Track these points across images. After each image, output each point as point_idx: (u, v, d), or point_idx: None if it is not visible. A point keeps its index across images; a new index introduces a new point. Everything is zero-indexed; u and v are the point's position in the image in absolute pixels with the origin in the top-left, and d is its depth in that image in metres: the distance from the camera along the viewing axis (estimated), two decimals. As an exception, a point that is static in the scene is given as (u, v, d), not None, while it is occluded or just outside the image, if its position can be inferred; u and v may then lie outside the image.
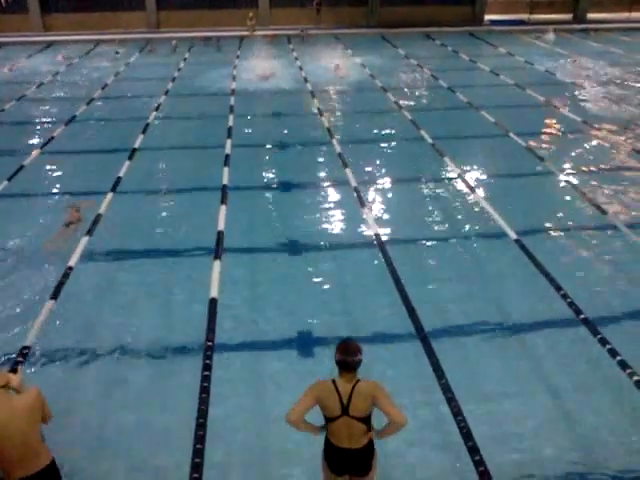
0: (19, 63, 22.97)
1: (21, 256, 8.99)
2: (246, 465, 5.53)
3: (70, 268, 8.50)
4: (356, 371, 4.27)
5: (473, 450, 5.38)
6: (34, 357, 6.79)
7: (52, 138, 14.23)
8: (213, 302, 7.64)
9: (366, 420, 4.28)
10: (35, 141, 14.07)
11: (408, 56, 23.37)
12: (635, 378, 6.20)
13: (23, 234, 9.64)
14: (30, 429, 4.22)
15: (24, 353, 6.73)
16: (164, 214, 10.45)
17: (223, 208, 10.30)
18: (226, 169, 12.04)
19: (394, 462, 5.43)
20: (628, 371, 6.30)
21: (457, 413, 5.79)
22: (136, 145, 13.57)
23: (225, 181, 11.45)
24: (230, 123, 15.03)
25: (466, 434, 5.55)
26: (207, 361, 6.56)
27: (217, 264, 8.53)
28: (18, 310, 7.70)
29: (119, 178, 11.70)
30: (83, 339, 7.23)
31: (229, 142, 13.60)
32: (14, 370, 6.06)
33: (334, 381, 4.29)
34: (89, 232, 9.53)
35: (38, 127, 15.41)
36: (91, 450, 5.68)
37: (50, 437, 4.76)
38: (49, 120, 15.93)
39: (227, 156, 12.78)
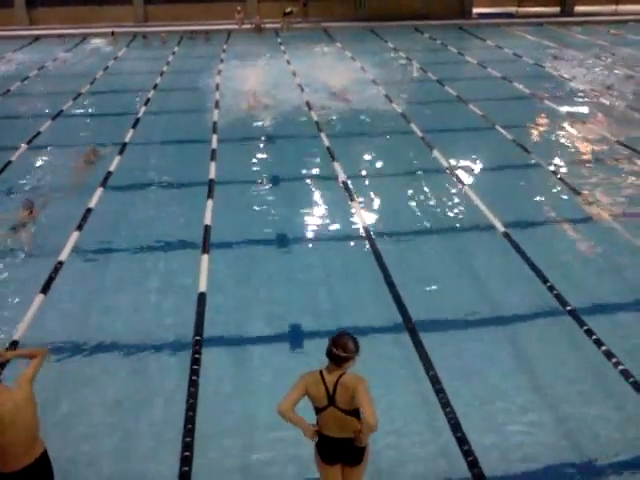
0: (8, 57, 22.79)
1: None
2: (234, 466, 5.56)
3: (60, 263, 8.49)
4: (341, 366, 4.28)
5: (461, 441, 5.43)
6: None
7: (39, 133, 14.14)
8: (202, 296, 7.65)
9: (354, 413, 4.31)
10: (22, 136, 13.96)
11: (397, 49, 23.38)
12: (620, 368, 6.27)
13: None
14: (32, 418, 4.33)
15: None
16: (153, 208, 10.46)
17: (210, 203, 10.31)
18: (213, 163, 12.03)
19: (384, 453, 5.47)
20: (613, 360, 6.37)
21: (445, 404, 5.83)
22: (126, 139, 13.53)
23: (212, 175, 11.45)
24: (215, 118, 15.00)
25: (454, 425, 5.59)
26: (196, 355, 6.57)
27: (205, 258, 8.55)
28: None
29: (109, 172, 11.70)
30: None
31: (215, 137, 13.59)
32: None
33: (321, 372, 4.34)
34: (79, 227, 9.49)
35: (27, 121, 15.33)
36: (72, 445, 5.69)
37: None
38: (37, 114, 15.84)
39: (213, 151, 12.78)
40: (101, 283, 8.31)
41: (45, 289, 7.86)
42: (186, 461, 5.24)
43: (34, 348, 4.65)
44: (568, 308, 7.33)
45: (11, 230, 9.45)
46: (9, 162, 12.34)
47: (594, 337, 6.75)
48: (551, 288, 7.71)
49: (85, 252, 8.96)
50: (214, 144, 13.13)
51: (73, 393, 6.35)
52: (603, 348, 6.56)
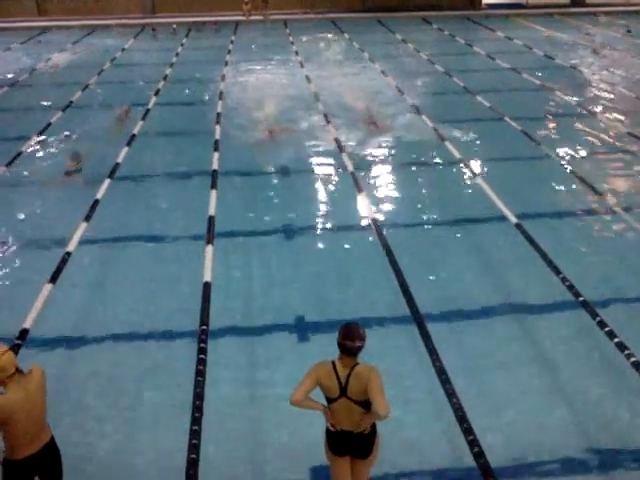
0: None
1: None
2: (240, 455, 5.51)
3: (68, 254, 8.49)
4: (355, 356, 4.25)
5: (467, 431, 5.37)
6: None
7: (49, 124, 14.13)
8: (207, 286, 7.61)
9: (365, 404, 4.27)
10: (32, 127, 13.95)
11: (405, 40, 23.23)
12: (632, 359, 6.19)
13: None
14: (42, 408, 4.39)
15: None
16: (158, 198, 10.47)
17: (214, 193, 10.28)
18: (216, 154, 11.97)
19: (388, 442, 5.42)
20: (626, 352, 6.29)
21: (451, 394, 5.77)
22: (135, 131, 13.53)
23: (215, 166, 11.40)
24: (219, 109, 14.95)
25: (461, 416, 5.53)
26: (202, 345, 6.53)
27: (209, 249, 8.52)
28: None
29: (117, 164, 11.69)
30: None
31: (218, 128, 13.54)
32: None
33: (334, 363, 4.29)
34: (87, 218, 9.48)
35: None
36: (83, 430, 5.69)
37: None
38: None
39: (216, 141, 12.73)
40: (104, 273, 8.31)
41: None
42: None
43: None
44: (581, 299, 7.24)
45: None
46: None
47: (607, 329, 6.66)
48: (564, 279, 7.62)
49: (93, 243, 8.95)
50: (217, 135, 13.08)
51: (81, 382, 6.35)
52: (616, 340, 6.48)
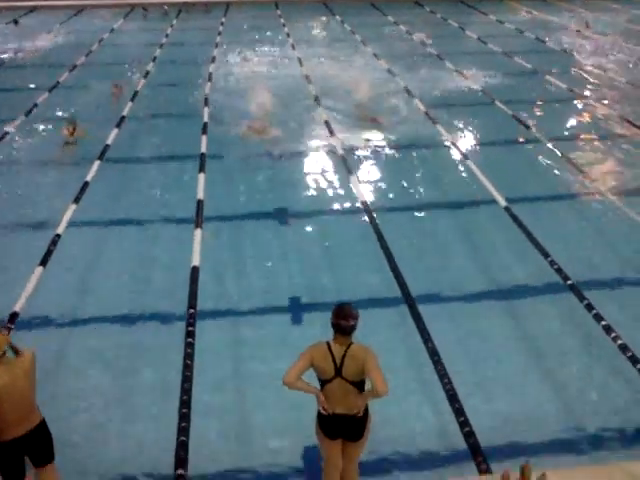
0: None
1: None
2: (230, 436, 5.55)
3: (58, 236, 8.44)
4: (350, 335, 4.29)
5: (458, 412, 5.43)
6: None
7: (36, 105, 13.97)
8: (195, 270, 7.60)
9: (359, 385, 4.30)
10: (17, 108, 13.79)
11: (397, 23, 23.08)
12: (619, 342, 6.26)
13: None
14: (29, 391, 4.36)
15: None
16: (147, 181, 10.44)
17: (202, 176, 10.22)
18: (204, 137, 11.90)
19: (380, 424, 5.47)
20: (613, 335, 6.36)
21: (443, 376, 5.83)
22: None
23: (203, 149, 11.34)
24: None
25: (452, 397, 5.58)
26: (190, 328, 6.53)
27: (198, 232, 8.50)
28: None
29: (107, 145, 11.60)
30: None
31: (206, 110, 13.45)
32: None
33: (328, 343, 4.32)
34: (76, 200, 9.42)
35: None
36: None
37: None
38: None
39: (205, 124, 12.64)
40: (94, 256, 8.29)
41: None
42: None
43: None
44: (569, 282, 7.30)
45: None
46: None
47: (594, 312, 6.73)
48: (552, 263, 7.67)
49: (82, 225, 8.90)
50: (205, 118, 12.99)
51: (71, 364, 6.36)
52: (603, 323, 6.54)
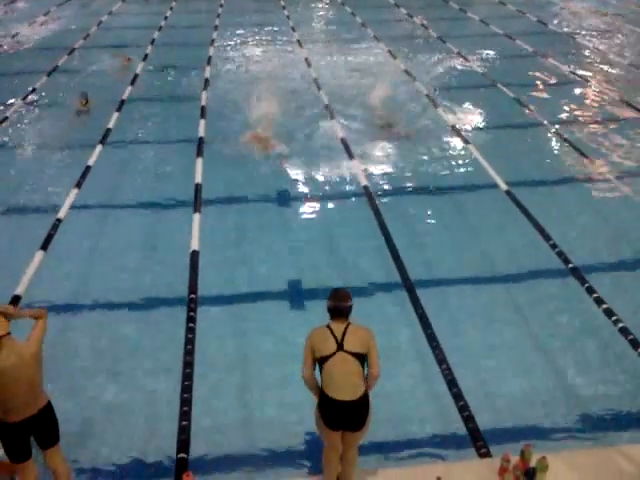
0: None
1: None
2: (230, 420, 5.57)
3: (59, 220, 8.45)
4: (347, 317, 4.39)
5: (457, 396, 5.44)
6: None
7: (34, 89, 13.87)
8: (195, 254, 7.59)
9: (361, 358, 4.32)
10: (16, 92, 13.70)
11: (398, 5, 22.83)
12: (620, 325, 6.25)
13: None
14: (36, 374, 4.37)
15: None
16: (147, 165, 10.41)
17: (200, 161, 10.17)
18: (202, 121, 11.82)
19: (380, 409, 5.47)
20: (613, 318, 6.35)
21: (442, 361, 5.84)
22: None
23: (202, 133, 11.26)
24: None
25: (451, 381, 5.59)
26: (191, 313, 6.53)
27: (197, 217, 8.48)
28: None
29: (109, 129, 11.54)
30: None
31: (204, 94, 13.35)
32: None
33: (328, 325, 4.39)
34: (78, 185, 9.41)
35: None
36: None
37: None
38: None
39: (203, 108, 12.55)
40: (95, 240, 8.28)
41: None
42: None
43: (35, 309, 4.62)
44: (570, 266, 7.28)
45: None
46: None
47: (595, 295, 6.72)
48: (553, 246, 7.65)
49: (83, 209, 8.87)
50: (203, 101, 12.89)
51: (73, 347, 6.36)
52: (604, 306, 6.54)
